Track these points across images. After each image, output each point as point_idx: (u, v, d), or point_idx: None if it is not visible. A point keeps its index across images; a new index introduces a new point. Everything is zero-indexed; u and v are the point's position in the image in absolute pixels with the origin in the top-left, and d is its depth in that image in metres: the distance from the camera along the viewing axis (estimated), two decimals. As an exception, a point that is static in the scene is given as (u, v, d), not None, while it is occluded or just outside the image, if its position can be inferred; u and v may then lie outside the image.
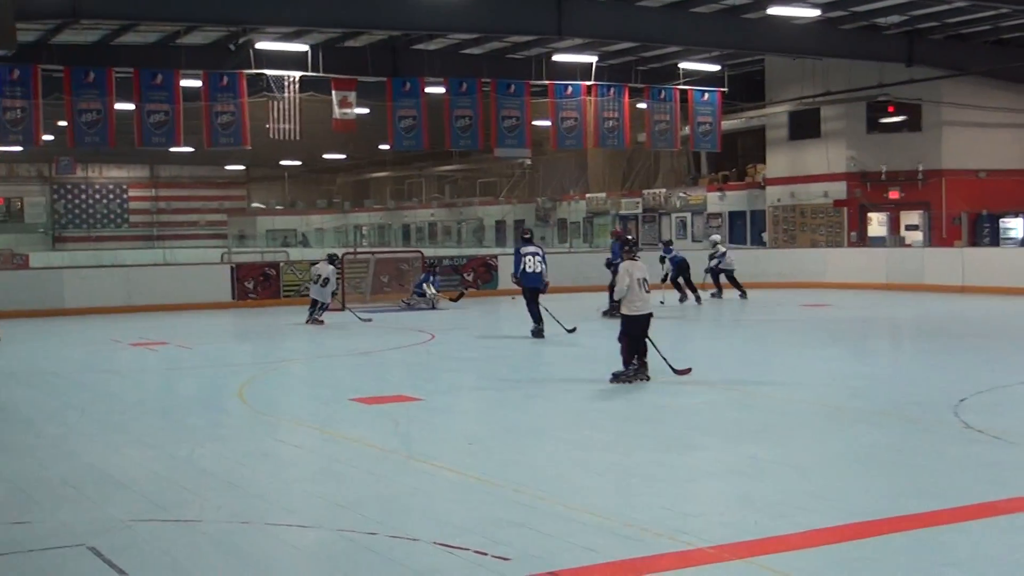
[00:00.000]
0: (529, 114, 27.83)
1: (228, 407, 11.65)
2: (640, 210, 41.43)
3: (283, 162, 59.30)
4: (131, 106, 24.27)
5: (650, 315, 12.23)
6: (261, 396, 12.30)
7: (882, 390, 11.96)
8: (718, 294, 25.43)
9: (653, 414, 10.64)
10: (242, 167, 67.37)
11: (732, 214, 37.42)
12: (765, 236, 34.94)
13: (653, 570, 5.84)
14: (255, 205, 71.22)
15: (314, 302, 20.93)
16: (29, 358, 16.71)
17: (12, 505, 7.47)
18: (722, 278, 25.58)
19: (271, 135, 25.56)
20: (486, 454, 8.88)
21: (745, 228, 36.75)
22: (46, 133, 25.74)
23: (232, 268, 26.71)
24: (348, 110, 26.09)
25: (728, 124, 33.43)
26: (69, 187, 66.16)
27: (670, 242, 27.89)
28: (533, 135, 29.31)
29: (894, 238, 31.56)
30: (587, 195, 45.17)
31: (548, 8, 23.17)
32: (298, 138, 25.85)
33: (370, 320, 20.92)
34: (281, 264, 27.68)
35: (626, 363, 12.25)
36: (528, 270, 17.57)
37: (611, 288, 18.20)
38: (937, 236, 30.73)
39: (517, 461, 8.63)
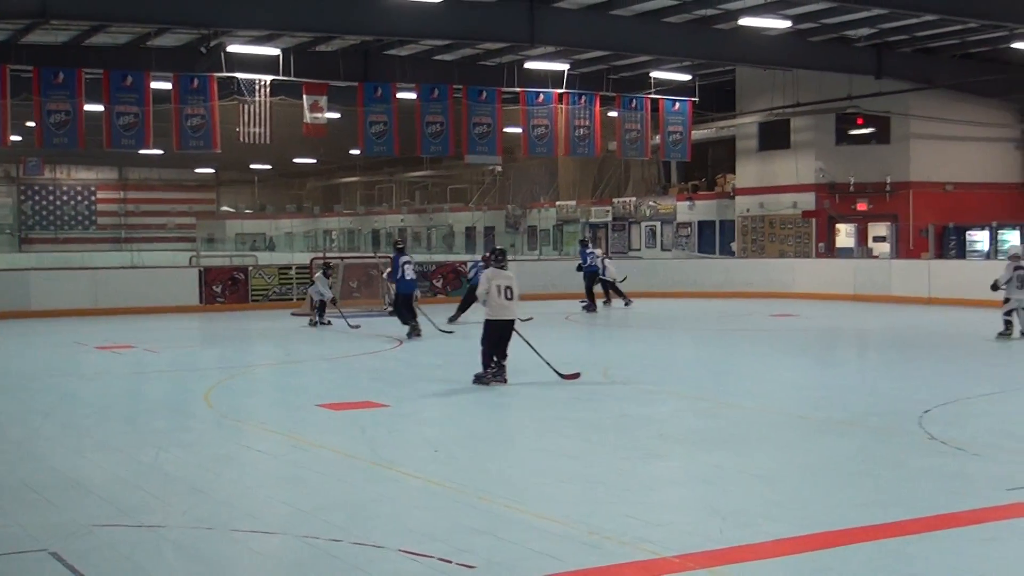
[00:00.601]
0: (500, 121, 27.81)
1: (194, 412, 11.57)
2: (610, 218, 41.51)
3: (253, 166, 58.98)
4: (100, 107, 24.05)
5: (511, 321, 12.87)
6: (228, 401, 12.23)
7: (848, 400, 12.01)
8: (627, 302, 25.77)
9: (619, 422, 10.65)
10: (211, 170, 66.97)
11: (701, 223, 37.57)
12: (734, 246, 35.13)
13: (618, 579, 5.85)
14: (224, 209, 70.80)
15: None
16: (-7, 360, 16.56)
17: (-28, 509, 7.39)
18: (601, 287, 26.00)
19: (241, 138, 25.41)
20: (452, 461, 8.87)
21: (714, 238, 36.91)
22: (14, 133, 25.51)
23: (200, 272, 26.58)
24: (319, 114, 26.02)
25: (698, 134, 33.55)
26: (37, 188, 65.58)
27: (586, 243, 27.58)
28: (504, 142, 29.30)
29: (862, 249, 31.76)
30: (557, 203, 45.20)
31: (520, 16, 23.20)
32: (268, 142, 25.74)
33: (358, 327, 20.83)
34: (250, 268, 27.56)
35: (485, 365, 12.92)
36: (407, 277, 18.95)
37: (463, 298, 21.81)
38: (904, 248, 30.99)
39: (483, 468, 8.63)
